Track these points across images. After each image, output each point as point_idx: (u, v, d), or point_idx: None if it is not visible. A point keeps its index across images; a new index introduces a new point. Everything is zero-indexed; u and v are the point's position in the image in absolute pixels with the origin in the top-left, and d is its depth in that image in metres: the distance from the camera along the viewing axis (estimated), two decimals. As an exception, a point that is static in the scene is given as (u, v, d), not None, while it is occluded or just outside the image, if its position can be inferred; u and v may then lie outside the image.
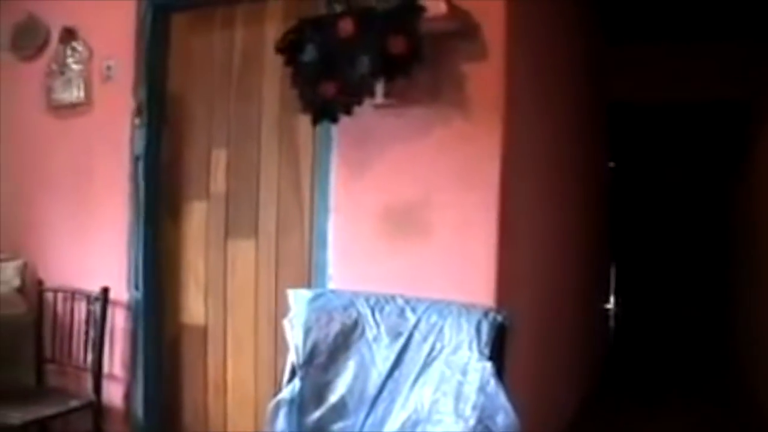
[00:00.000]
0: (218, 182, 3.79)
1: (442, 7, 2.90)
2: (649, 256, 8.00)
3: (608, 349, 7.10)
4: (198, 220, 3.85)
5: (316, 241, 3.42)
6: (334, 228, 3.32)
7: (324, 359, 2.99)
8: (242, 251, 3.71)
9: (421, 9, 2.88)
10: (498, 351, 2.77)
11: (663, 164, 7.70)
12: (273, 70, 3.60)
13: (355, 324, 3.00)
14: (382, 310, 2.99)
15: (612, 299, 7.41)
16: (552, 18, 4.07)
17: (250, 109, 3.70)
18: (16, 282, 4.15)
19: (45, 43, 4.29)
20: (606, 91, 5.99)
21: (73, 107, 4.15)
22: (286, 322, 3.09)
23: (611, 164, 6.80)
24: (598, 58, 5.71)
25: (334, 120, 3.08)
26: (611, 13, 5.51)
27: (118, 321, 3.95)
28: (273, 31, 3.62)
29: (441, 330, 2.84)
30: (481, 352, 2.73)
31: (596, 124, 5.85)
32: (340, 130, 3.25)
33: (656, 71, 6.04)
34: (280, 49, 3.12)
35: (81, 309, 3.95)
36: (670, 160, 7.61)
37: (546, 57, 3.90)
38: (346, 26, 2.97)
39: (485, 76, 3.05)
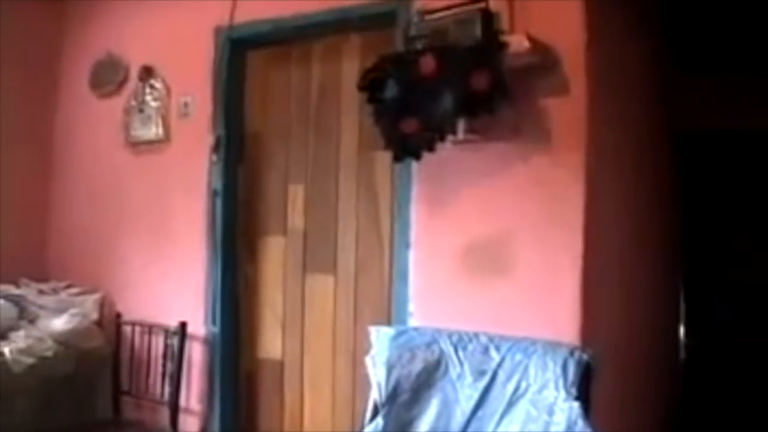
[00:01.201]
0: (296, 218, 3.82)
1: (524, 44, 2.88)
2: (726, 284, 7.76)
3: (680, 382, 6.93)
4: (275, 256, 3.88)
5: (396, 277, 3.40)
6: (414, 264, 3.30)
7: (407, 397, 2.96)
8: (320, 286, 3.72)
9: (504, 45, 2.87)
10: (584, 390, 2.71)
11: (740, 190, 7.51)
12: (350, 105, 3.63)
13: (439, 362, 2.96)
14: (465, 347, 2.95)
15: (682, 329, 7.23)
16: (627, 48, 4.03)
17: (327, 144, 3.73)
18: (95, 315, 4.22)
19: (124, 80, 4.40)
20: (677, 120, 5.90)
21: (150, 144, 4.23)
22: (368, 359, 3.08)
23: (682, 192, 6.68)
24: (668, 86, 5.64)
25: (417, 157, 3.06)
26: (685, 42, 5.45)
27: (195, 355, 3.98)
28: (350, 66, 3.67)
29: (526, 369, 2.79)
30: (567, 392, 2.67)
31: (665, 152, 5.77)
32: (419, 166, 3.23)
33: (733, 99, 5.95)
34: (362, 86, 3.12)
35: (158, 342, 3.99)
36: (749, 186, 7.42)
37: (622, 89, 3.85)
38: (428, 63, 2.97)
39: (567, 112, 3.01)
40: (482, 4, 3.03)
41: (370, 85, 3.10)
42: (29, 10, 4.62)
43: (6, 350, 3.68)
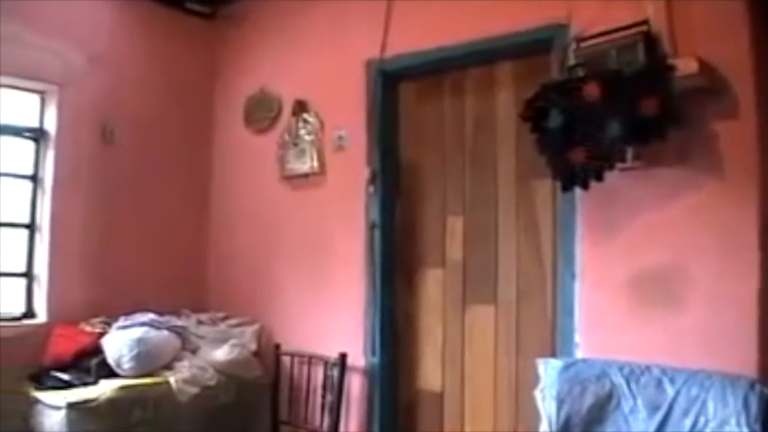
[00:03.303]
0: (454, 249, 3.80)
1: (692, 66, 2.79)
2: None
3: None
4: (434, 287, 3.87)
5: (560, 309, 3.32)
6: (580, 295, 3.22)
7: (579, 432, 2.89)
8: (481, 318, 3.68)
9: (672, 68, 2.79)
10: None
11: None
12: (506, 134, 3.62)
13: (610, 395, 2.87)
14: (637, 381, 2.85)
15: None
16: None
17: (484, 175, 3.70)
18: (253, 346, 4.31)
19: (277, 115, 4.52)
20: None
21: (306, 177, 4.31)
22: (536, 393, 3.02)
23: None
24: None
25: (585, 186, 2.99)
26: None
27: (354, 386, 4.01)
28: (504, 95, 3.66)
29: (704, 403, 2.67)
30: (751, 428, 2.54)
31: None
32: (583, 194, 3.15)
33: None
34: (527, 116, 3.08)
35: (317, 373, 4.05)
36: None
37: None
38: (593, 90, 2.90)
39: (737, 134, 2.89)
40: (643, 28, 2.96)
41: (535, 114, 3.06)
42: (185, 54, 4.85)
43: (172, 380, 3.80)
